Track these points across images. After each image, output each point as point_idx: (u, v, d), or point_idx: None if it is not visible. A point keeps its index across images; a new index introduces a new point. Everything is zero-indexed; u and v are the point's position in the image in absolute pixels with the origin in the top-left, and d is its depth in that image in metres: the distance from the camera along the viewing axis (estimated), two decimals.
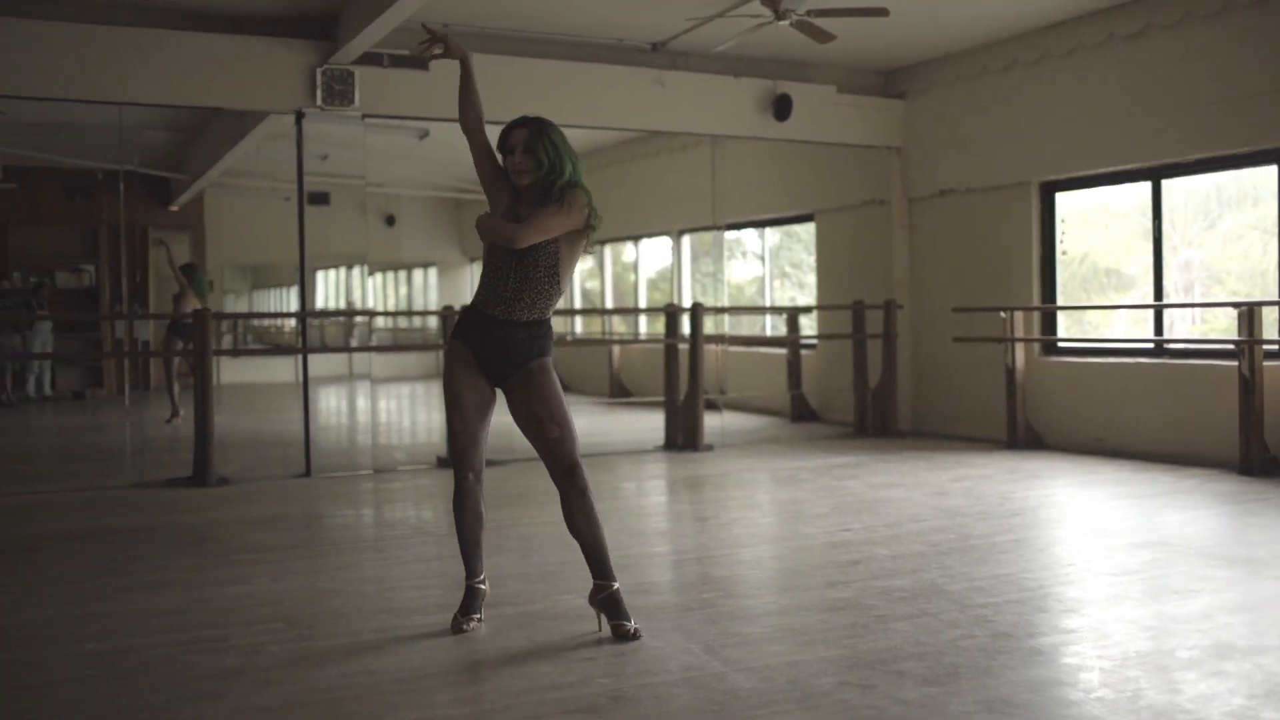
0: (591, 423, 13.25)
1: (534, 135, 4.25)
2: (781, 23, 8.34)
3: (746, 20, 8.69)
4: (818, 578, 5.27)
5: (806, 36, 8.62)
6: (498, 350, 4.28)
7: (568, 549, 5.98)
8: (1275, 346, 8.36)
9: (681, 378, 10.43)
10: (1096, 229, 10.48)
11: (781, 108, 10.53)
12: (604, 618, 4.31)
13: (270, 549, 6.14)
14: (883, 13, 8.06)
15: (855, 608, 4.70)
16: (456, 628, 4.37)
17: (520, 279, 4.24)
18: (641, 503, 7.98)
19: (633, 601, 4.49)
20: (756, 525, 6.87)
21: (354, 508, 7.78)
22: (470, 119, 4.43)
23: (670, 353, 10.53)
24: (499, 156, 4.42)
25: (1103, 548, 5.88)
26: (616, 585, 4.31)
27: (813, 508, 7.24)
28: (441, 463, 9.23)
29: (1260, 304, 8.25)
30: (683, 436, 10.28)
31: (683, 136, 12.48)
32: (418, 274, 20.99)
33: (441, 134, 13.09)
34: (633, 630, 4.25)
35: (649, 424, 11.70)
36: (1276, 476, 8.01)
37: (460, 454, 4.37)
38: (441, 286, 20.53)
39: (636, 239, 16.09)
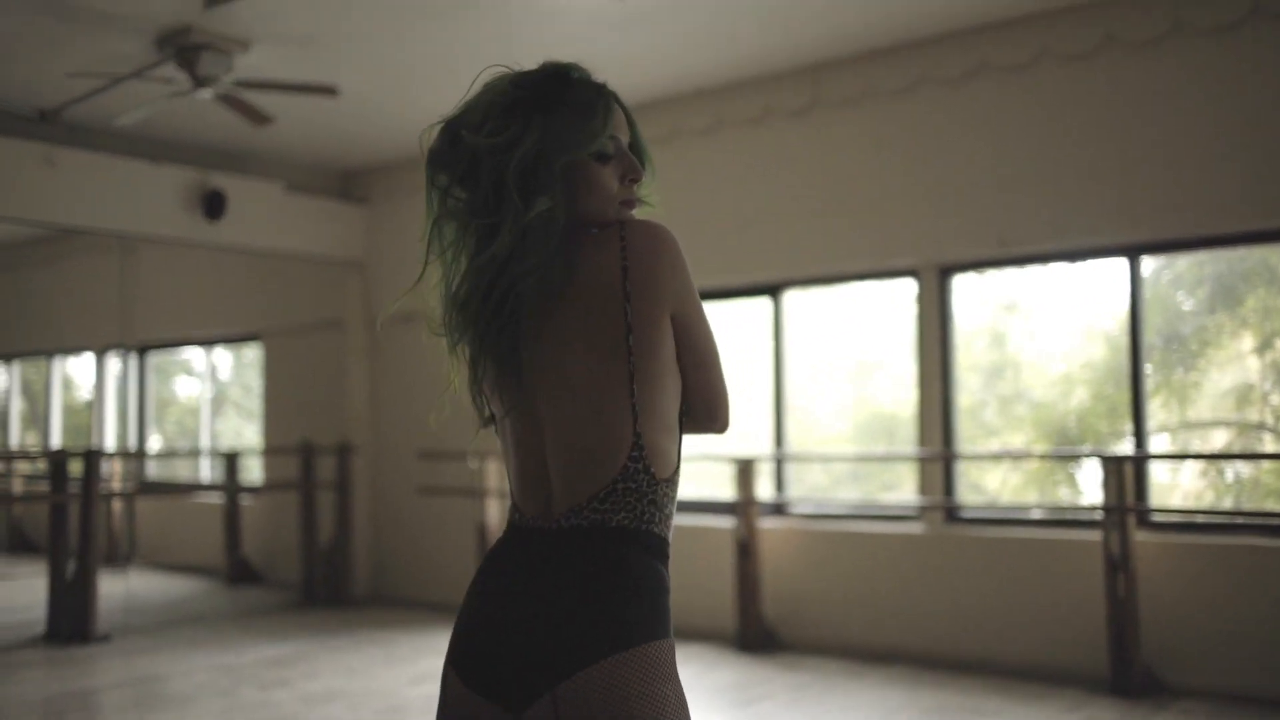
0: None
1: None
2: (203, 94, 6.44)
3: (159, 86, 6.71)
4: None
5: (240, 117, 6.79)
6: None
7: None
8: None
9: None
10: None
11: (213, 205, 8.45)
12: None
13: None
14: (330, 92, 6.38)
15: None
16: None
17: None
18: None
19: None
20: None
21: None
22: None
23: (58, 511, 8.06)
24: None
25: None
26: None
27: None
28: None
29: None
30: (70, 622, 7.83)
31: (84, 236, 9.62)
32: None
33: None
34: None
35: (29, 599, 9.01)
36: (770, 651, 6.91)
37: None
38: None
39: (50, 355, 13.20)
